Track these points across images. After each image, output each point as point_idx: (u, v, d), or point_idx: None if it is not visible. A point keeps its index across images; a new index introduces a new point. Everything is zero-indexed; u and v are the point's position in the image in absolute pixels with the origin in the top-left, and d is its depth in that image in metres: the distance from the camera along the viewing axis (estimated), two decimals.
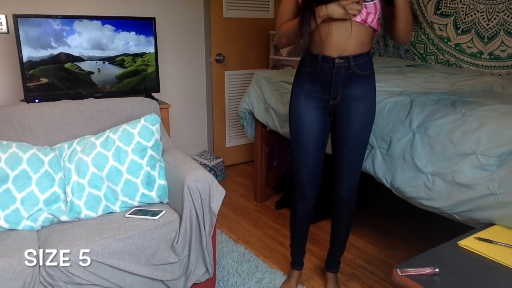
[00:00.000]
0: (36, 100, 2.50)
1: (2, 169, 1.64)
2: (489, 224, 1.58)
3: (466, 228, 1.64)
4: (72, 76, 2.57)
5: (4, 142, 1.73)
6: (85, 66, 2.60)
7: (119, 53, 2.68)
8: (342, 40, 1.57)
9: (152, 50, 2.77)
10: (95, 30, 2.57)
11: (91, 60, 2.60)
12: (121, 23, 2.64)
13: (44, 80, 2.48)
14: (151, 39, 2.74)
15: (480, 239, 1.44)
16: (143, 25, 2.71)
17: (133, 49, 2.71)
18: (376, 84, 2.35)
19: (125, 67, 2.71)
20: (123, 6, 3.00)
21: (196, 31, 3.39)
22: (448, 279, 1.23)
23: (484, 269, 1.28)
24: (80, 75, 2.59)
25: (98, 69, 2.64)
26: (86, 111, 2.02)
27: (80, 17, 2.57)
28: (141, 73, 2.77)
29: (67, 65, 2.55)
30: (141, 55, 2.74)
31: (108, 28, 2.59)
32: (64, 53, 2.53)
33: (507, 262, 1.30)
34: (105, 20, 2.61)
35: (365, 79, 1.66)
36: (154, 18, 2.78)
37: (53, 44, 2.47)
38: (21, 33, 2.40)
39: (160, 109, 2.28)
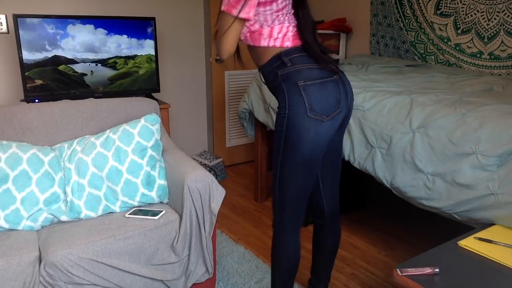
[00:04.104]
0: (36, 100, 2.51)
1: (2, 169, 1.64)
2: (489, 224, 1.58)
3: (466, 228, 1.64)
4: (66, 78, 2.62)
5: (4, 142, 1.73)
6: (79, 68, 2.65)
7: (111, 56, 2.73)
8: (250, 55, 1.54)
9: (144, 53, 2.83)
10: (88, 34, 2.63)
11: (84, 63, 2.66)
12: (113, 27, 2.69)
13: (38, 82, 2.52)
14: (143, 42, 2.80)
15: (480, 239, 1.44)
16: (135, 28, 2.76)
17: (125, 52, 2.76)
18: (376, 84, 2.35)
19: (117, 69, 2.77)
20: (123, 6, 3.00)
21: (196, 31, 3.39)
22: (448, 279, 1.23)
23: (484, 269, 1.28)
24: (73, 77, 2.64)
25: (91, 71, 2.69)
26: (86, 111, 2.02)
27: (79, 18, 2.57)
28: (133, 74, 2.82)
29: (61, 67, 2.60)
30: (133, 57, 2.79)
31: (101, 31, 2.65)
32: (58, 55, 2.57)
33: (507, 262, 1.30)
34: (98, 23, 2.64)
35: (276, 89, 1.48)
36: (154, 18, 2.79)
37: (47, 47, 2.51)
38: (20, 34, 2.41)
39: (160, 109, 2.28)
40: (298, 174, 1.45)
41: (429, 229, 2.62)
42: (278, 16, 1.40)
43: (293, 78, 1.40)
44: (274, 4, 1.37)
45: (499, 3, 2.69)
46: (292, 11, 1.44)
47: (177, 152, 2.04)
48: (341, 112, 1.45)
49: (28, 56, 2.47)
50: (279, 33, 1.41)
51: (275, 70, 1.43)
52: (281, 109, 1.43)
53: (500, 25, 2.70)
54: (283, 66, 1.42)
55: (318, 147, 1.43)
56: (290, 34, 1.43)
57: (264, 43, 1.42)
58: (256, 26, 1.41)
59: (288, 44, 1.43)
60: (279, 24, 1.41)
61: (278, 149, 1.46)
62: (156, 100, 2.72)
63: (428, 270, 1.25)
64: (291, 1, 1.42)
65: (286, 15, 1.42)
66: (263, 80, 1.54)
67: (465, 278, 1.24)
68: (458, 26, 2.93)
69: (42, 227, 1.69)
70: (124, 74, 2.80)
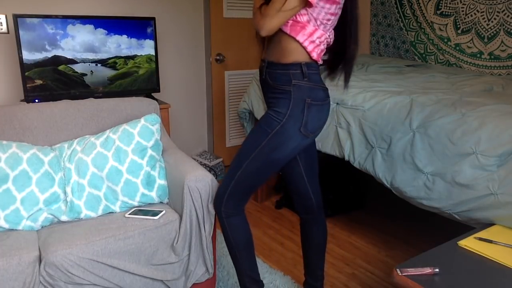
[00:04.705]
0: (36, 100, 2.51)
1: (2, 169, 1.64)
2: (489, 224, 1.58)
3: (466, 228, 1.64)
4: (66, 78, 2.62)
5: (4, 142, 1.73)
6: (78, 68, 2.66)
7: (111, 56, 2.73)
8: (269, 41, 1.50)
9: (144, 53, 2.83)
10: (88, 34, 2.64)
11: (84, 63, 2.66)
12: (113, 27, 2.70)
13: (38, 82, 2.53)
14: (143, 42, 2.81)
15: (480, 239, 1.44)
16: (135, 28, 2.77)
17: (125, 52, 2.77)
18: (376, 84, 2.35)
19: (117, 69, 2.77)
20: (123, 6, 3.00)
21: (196, 31, 3.39)
22: (448, 279, 1.23)
23: (484, 269, 1.28)
24: (73, 77, 2.65)
25: (91, 71, 2.70)
26: (86, 111, 2.02)
27: (79, 18, 2.58)
28: (133, 74, 2.82)
29: (61, 67, 2.60)
30: (133, 57, 2.80)
31: (100, 31, 2.66)
32: (58, 55, 2.58)
33: (507, 262, 1.30)
34: (97, 23, 2.65)
35: (280, 93, 1.47)
36: (154, 18, 2.79)
37: (47, 47, 2.52)
38: (21, 34, 2.42)
39: (160, 109, 2.28)
40: (263, 171, 1.54)
41: (429, 229, 2.62)
42: (328, 22, 1.41)
43: (304, 94, 1.44)
44: (334, 6, 1.39)
45: (499, 3, 2.69)
46: (335, 24, 1.47)
47: (177, 152, 2.04)
48: (321, 130, 1.54)
49: (28, 56, 2.47)
50: (318, 38, 1.43)
51: (290, 76, 1.44)
52: (278, 115, 1.46)
53: (500, 25, 2.70)
54: (300, 77, 1.44)
55: (292, 155, 1.52)
56: (322, 47, 1.46)
57: (301, 38, 1.41)
58: (304, 18, 1.39)
59: (314, 55, 1.44)
60: (323, 30, 1.43)
61: (256, 146, 1.50)
62: (156, 100, 2.72)
63: (428, 270, 1.25)
64: (339, 14, 1.44)
65: (331, 27, 1.45)
66: (265, 75, 1.52)
67: (465, 278, 1.24)
68: (458, 26, 2.93)
69: (42, 227, 1.69)
70: (124, 74, 2.80)
